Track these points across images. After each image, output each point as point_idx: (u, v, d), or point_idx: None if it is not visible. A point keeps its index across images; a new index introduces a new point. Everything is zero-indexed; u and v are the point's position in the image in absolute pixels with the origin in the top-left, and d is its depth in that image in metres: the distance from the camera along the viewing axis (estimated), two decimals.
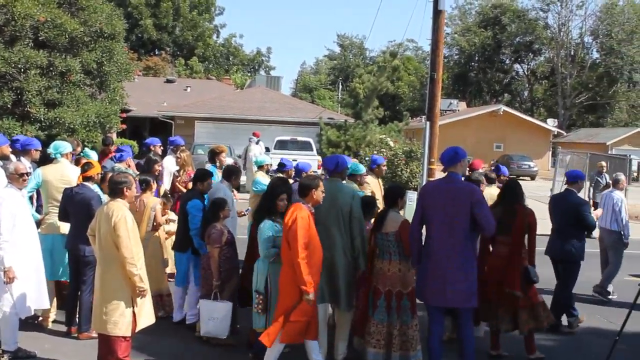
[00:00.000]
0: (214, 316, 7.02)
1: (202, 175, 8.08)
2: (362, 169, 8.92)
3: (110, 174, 7.19)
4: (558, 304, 8.40)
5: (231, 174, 8.55)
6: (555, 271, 8.60)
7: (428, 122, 17.04)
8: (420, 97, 63.39)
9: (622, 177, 10.59)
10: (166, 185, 10.55)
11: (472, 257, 6.27)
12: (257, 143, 22.61)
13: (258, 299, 6.39)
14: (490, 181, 9.55)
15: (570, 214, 8.36)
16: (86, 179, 7.40)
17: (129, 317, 6.00)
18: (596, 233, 10.41)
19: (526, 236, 7.17)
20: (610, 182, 17.38)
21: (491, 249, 7.32)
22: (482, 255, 7.24)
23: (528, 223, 7.10)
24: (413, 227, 6.46)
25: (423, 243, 6.44)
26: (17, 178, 6.63)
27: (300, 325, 6.01)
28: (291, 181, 9.38)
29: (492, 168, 10.93)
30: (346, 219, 6.62)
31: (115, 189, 6.09)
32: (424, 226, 6.44)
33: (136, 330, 6.14)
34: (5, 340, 6.57)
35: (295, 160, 11.74)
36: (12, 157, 8.41)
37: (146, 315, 6.19)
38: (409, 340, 6.52)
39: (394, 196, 6.80)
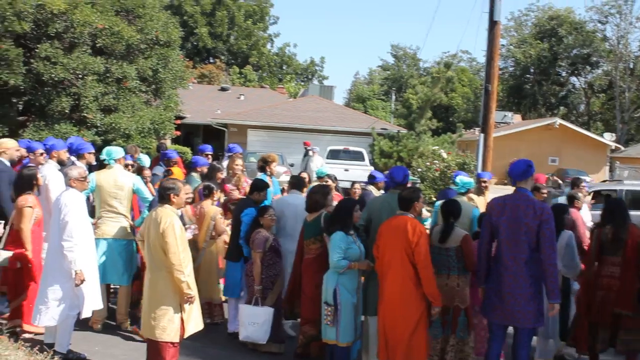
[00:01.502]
0: (255, 321, 7.03)
1: (256, 187, 8.04)
2: (473, 183, 8.86)
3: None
4: None
5: (303, 185, 8.50)
6: None
7: (482, 135, 16.83)
8: (474, 108, 62.63)
9: None
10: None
11: (540, 276, 6.00)
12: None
13: (327, 310, 6.34)
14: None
15: None
16: None
17: (177, 323, 6.00)
18: None
19: None
20: None
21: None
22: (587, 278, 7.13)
23: None
24: (481, 244, 6.31)
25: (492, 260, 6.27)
26: (82, 181, 6.77)
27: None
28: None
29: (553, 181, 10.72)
30: None
31: (163, 195, 6.12)
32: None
33: (184, 337, 6.13)
34: (59, 342, 6.65)
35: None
36: (73, 158, 8.56)
37: (194, 322, 6.18)
38: (465, 357, 6.42)
39: (456, 211, 6.63)
